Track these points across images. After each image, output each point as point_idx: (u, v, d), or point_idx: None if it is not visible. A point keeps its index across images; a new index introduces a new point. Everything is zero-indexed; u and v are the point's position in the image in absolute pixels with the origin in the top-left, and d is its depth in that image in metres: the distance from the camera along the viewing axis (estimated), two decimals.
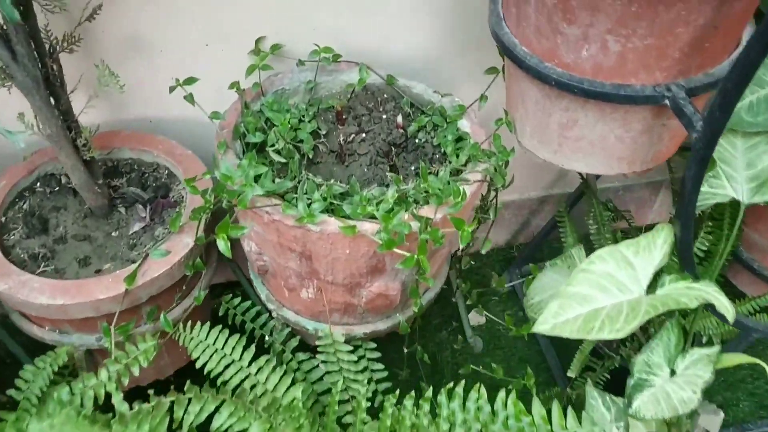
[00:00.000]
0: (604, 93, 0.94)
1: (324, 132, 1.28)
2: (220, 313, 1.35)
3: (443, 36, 1.46)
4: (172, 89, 1.15)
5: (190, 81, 1.16)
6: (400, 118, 1.28)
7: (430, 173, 1.18)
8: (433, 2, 1.40)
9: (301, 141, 1.25)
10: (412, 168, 1.25)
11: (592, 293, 0.99)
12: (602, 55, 0.91)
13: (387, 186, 1.21)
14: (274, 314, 1.33)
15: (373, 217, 1.06)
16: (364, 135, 1.30)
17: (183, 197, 1.34)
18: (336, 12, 1.37)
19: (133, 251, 1.26)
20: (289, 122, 1.16)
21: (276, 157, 1.15)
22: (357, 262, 1.11)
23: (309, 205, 1.06)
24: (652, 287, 1.00)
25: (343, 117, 1.30)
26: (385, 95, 1.37)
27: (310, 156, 1.22)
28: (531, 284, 1.25)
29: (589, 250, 1.50)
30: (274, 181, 1.10)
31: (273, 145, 1.17)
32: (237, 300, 1.35)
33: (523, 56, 0.99)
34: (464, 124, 1.27)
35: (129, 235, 1.29)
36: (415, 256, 1.00)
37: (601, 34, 0.89)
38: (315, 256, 1.11)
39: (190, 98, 1.16)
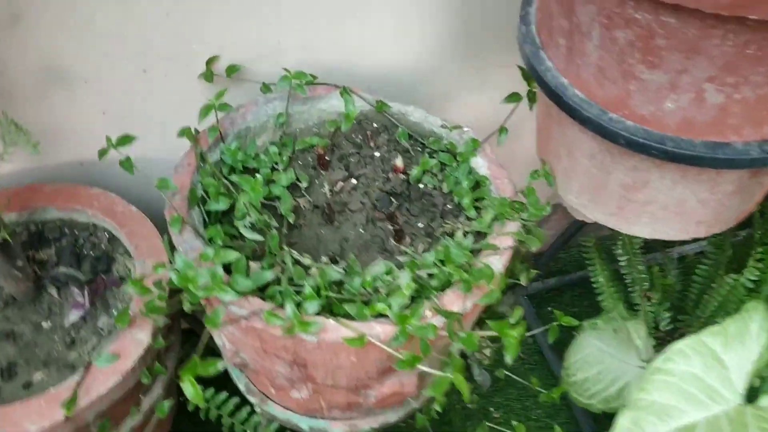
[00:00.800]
0: (695, 156, 0.69)
1: (305, 184, 1.01)
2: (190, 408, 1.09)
3: (438, 43, 1.19)
4: (102, 154, 0.86)
5: (125, 141, 0.87)
6: (399, 160, 1.01)
7: (448, 235, 0.93)
8: (424, 1, 1.12)
9: (277, 198, 0.98)
10: (419, 225, 1.00)
11: (675, 403, 0.77)
12: (695, 107, 0.67)
13: (389, 252, 0.95)
14: (256, 408, 1.08)
15: (383, 314, 0.81)
16: (354, 182, 1.04)
17: (130, 270, 1.06)
18: (304, 19, 1.08)
19: (71, 350, 0.99)
20: (259, 184, 0.88)
21: (249, 234, 0.88)
22: (365, 368, 0.87)
23: (299, 305, 0.81)
24: (752, 392, 0.78)
25: (326, 159, 1.03)
26: (375, 125, 1.10)
27: (290, 219, 0.96)
28: (571, 353, 1.03)
29: (621, 286, 1.29)
30: (248, 273, 0.84)
31: (243, 216, 0.90)
32: (210, 392, 1.09)
33: (578, 104, 0.73)
34: (479, 164, 1.02)
35: (64, 328, 1.01)
36: (448, 376, 0.76)
37: (697, 82, 0.65)
38: (311, 364, 0.86)
39: (127, 165, 0.87)
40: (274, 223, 0.92)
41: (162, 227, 1.07)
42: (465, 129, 1.03)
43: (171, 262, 0.85)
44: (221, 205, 0.92)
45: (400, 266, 0.94)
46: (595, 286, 1.26)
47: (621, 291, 1.27)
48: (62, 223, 1.11)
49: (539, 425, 1.39)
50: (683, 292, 1.36)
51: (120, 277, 1.06)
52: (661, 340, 1.23)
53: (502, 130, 1.01)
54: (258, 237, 0.88)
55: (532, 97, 0.97)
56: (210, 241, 0.89)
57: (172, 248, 0.87)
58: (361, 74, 1.19)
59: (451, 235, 0.97)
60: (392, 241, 0.97)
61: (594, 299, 1.50)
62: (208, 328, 0.80)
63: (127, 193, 1.14)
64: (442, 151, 1.05)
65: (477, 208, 0.97)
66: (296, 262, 0.89)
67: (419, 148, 1.08)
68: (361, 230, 0.99)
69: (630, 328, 0.96)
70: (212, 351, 1.09)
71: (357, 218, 1.00)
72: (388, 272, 0.90)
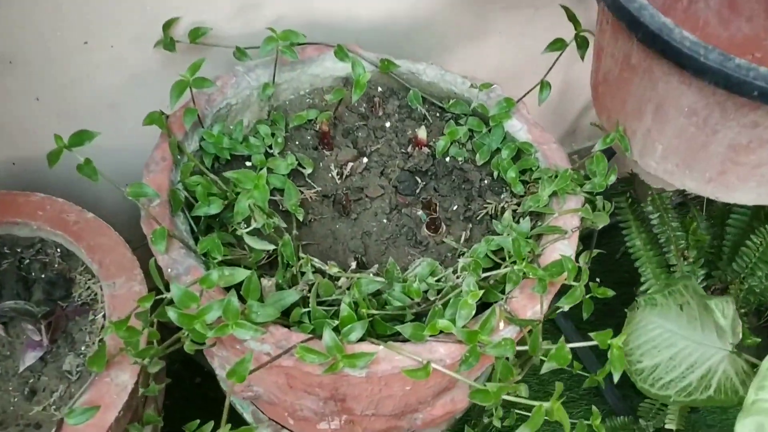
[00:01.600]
0: None
1: (309, 170, 0.81)
2: None
3: None
4: (53, 158, 0.64)
5: (81, 139, 0.65)
6: (422, 131, 0.83)
7: (491, 217, 0.76)
8: None
9: (277, 190, 0.79)
10: (454, 207, 0.82)
11: None
12: None
13: (423, 245, 0.78)
14: None
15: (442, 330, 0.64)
16: (365, 161, 0.85)
17: (95, 294, 0.85)
18: None
19: (33, 403, 0.78)
20: (263, 179, 0.68)
21: (257, 244, 0.69)
22: (419, 394, 0.70)
23: (336, 330, 0.63)
24: None
25: (330, 136, 0.84)
26: (380, 89, 0.91)
27: (299, 216, 0.77)
28: (630, 331, 0.88)
29: (655, 246, 1.15)
30: (262, 295, 0.65)
31: (245, 222, 0.70)
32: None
33: (691, 48, 0.56)
34: (516, 127, 0.84)
35: (20, 374, 0.80)
36: (542, 405, 0.59)
37: None
38: (351, 397, 0.68)
39: (88, 170, 0.65)
40: (282, 223, 0.73)
41: (126, 235, 0.87)
42: (494, 86, 0.85)
43: (162, 291, 0.65)
44: (213, 208, 0.72)
45: (443, 262, 0.77)
46: (631, 251, 1.12)
47: (659, 255, 1.14)
48: (1, 242, 0.89)
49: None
50: (717, 246, 1.23)
51: (83, 303, 0.85)
52: None
53: (545, 85, 0.83)
54: (269, 246, 0.69)
55: (582, 43, 0.80)
56: (205, 256, 0.69)
57: (159, 272, 0.67)
58: (348, 28, 0.99)
59: (495, 217, 0.80)
60: (425, 230, 0.79)
61: (617, 268, 1.35)
62: (227, 383, 0.61)
63: (77, 196, 0.92)
64: (467, 115, 0.87)
65: (523, 182, 0.80)
66: (317, 270, 0.71)
67: (437, 114, 0.89)
68: (384, 220, 0.81)
69: (713, 306, 0.81)
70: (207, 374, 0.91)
71: (377, 206, 0.82)
72: (433, 272, 0.72)
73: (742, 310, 1.11)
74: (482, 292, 0.64)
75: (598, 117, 0.79)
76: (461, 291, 0.66)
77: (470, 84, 0.85)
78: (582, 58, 0.81)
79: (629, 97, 0.68)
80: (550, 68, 0.83)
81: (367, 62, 0.87)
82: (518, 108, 0.85)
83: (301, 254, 0.71)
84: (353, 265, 0.73)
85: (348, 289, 0.68)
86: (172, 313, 0.58)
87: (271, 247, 0.69)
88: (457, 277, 0.69)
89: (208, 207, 0.72)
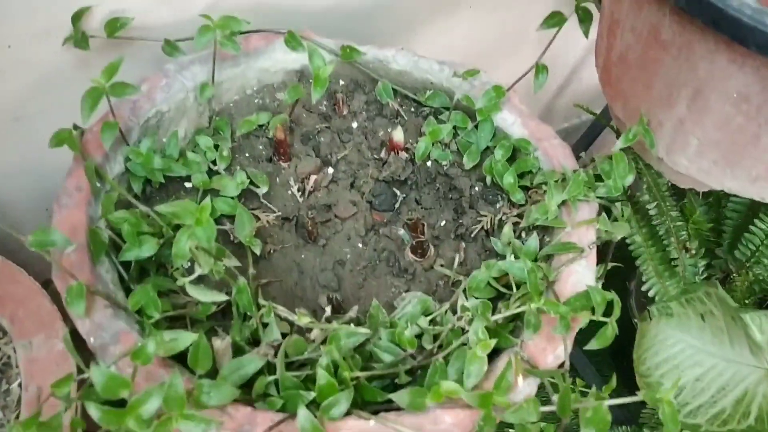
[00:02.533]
0: None
1: (264, 188, 0.67)
2: None
3: None
4: None
5: None
6: (399, 132, 0.69)
7: (487, 234, 0.63)
8: None
9: (225, 217, 0.64)
10: (442, 224, 0.69)
11: None
12: None
13: (409, 274, 0.64)
14: None
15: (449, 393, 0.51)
16: (331, 172, 0.71)
17: (8, 357, 0.70)
18: None
19: None
20: (207, 210, 0.53)
21: (204, 296, 0.54)
22: None
23: (315, 402, 0.49)
24: None
25: (287, 144, 0.69)
26: (342, 81, 0.76)
27: (255, 249, 0.62)
28: (645, 353, 0.77)
29: (656, 240, 1.04)
30: (214, 361, 0.50)
31: (183, 265, 0.55)
32: None
33: (754, 17, 0.43)
34: (507, 121, 0.71)
35: None
36: None
37: None
38: None
39: None
40: (235, 262, 0.58)
41: (38, 273, 0.71)
42: (480, 72, 0.71)
43: (81, 371, 0.50)
44: (145, 249, 0.57)
45: (434, 292, 0.63)
46: (631, 248, 1.00)
47: (661, 250, 1.03)
48: None
49: None
50: (715, 230, 1.13)
51: None
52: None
53: (541, 69, 0.70)
54: (219, 297, 0.54)
55: (585, 17, 0.66)
56: (139, 313, 0.54)
57: (77, 343, 0.52)
58: (298, 10, 0.84)
59: (492, 232, 0.67)
60: (409, 254, 0.65)
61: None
62: None
63: None
64: (448, 109, 0.73)
65: (523, 188, 0.67)
66: (283, 319, 0.57)
67: (412, 109, 0.75)
68: (359, 244, 0.67)
69: (748, 320, 0.70)
70: None
71: (350, 227, 0.67)
72: (426, 310, 0.59)
73: (746, 302, 1.01)
74: (494, 341, 0.51)
75: (610, 104, 0.66)
76: (465, 337, 0.53)
77: (452, 71, 0.71)
78: (586, 34, 0.68)
79: (656, 81, 0.55)
80: (547, 47, 0.69)
81: (326, 51, 0.72)
82: (509, 97, 0.71)
83: (261, 301, 0.57)
84: (327, 309, 0.58)
85: (323, 342, 0.54)
86: (93, 410, 0.43)
87: (223, 298, 0.54)
88: (458, 318, 0.56)
89: (139, 249, 0.57)
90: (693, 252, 1.05)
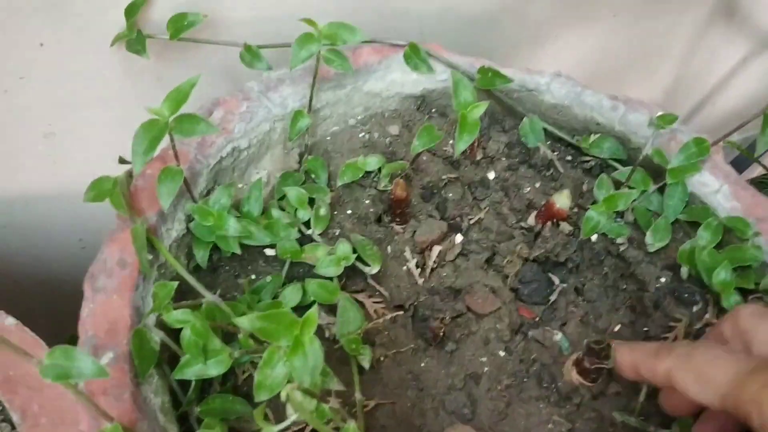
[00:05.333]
0: None
1: (375, 268, 0.48)
2: None
3: None
4: None
5: None
6: (564, 198, 0.49)
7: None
8: None
9: (321, 306, 0.45)
10: (616, 329, 0.49)
11: None
12: None
13: (576, 404, 0.45)
14: None
15: None
16: (460, 239, 0.52)
17: None
18: None
19: None
20: (313, 324, 0.34)
21: None
22: None
23: None
24: None
25: (406, 202, 0.50)
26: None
27: (365, 363, 0.44)
28: None
29: None
30: None
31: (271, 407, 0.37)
32: None
33: None
34: (709, 187, 0.51)
35: None
36: None
37: None
38: None
39: None
40: (338, 385, 0.40)
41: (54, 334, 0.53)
42: (676, 118, 0.51)
43: None
44: (213, 367, 0.39)
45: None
46: None
47: None
48: None
49: None
50: None
51: None
52: None
53: None
54: None
55: None
56: None
57: None
58: (405, 11, 0.65)
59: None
60: (573, 373, 0.46)
61: None
62: None
63: None
64: (619, 161, 0.53)
65: (740, 291, 0.47)
66: None
67: (569, 158, 0.56)
68: (501, 352, 0.48)
69: None
70: None
71: (488, 327, 0.48)
72: None
73: None
74: None
75: None
76: None
77: (648, 119, 0.51)
78: None
79: None
80: None
81: (457, 70, 0.52)
82: (710, 154, 0.51)
83: None
84: None
85: None
86: None
87: None
88: None
89: (203, 366, 0.38)
90: None
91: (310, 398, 0.35)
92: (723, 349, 0.35)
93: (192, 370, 0.39)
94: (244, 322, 0.34)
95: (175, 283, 0.39)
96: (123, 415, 0.36)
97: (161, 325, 0.41)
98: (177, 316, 0.38)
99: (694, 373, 0.35)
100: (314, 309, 0.35)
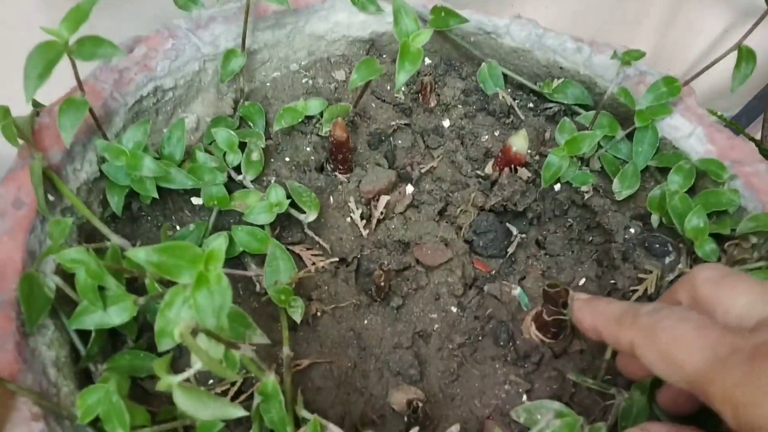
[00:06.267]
0: None
1: (312, 215, 0.43)
2: None
3: None
4: None
5: None
6: (521, 140, 0.45)
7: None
8: None
9: (249, 256, 0.41)
10: (581, 283, 0.45)
11: None
12: None
13: (536, 363, 0.41)
14: None
15: None
16: (411, 191, 0.47)
17: None
18: None
19: None
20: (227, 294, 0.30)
21: (203, 412, 0.31)
22: None
23: None
24: None
25: (349, 148, 0.45)
26: (428, 60, 0.52)
27: (296, 316, 0.39)
28: None
29: None
30: None
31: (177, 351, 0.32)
32: None
33: None
34: (682, 131, 0.47)
35: None
36: None
37: None
38: None
39: None
40: (263, 339, 0.35)
41: None
42: (642, 54, 0.47)
43: None
44: (114, 313, 0.34)
45: (571, 399, 0.40)
46: None
47: None
48: None
49: None
50: None
51: None
52: None
53: (746, 55, 0.45)
54: (232, 412, 0.31)
55: None
56: (94, 425, 0.32)
57: None
58: None
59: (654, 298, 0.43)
60: (533, 329, 0.42)
61: None
62: None
63: None
64: (584, 107, 0.49)
65: (715, 236, 0.43)
66: None
67: (531, 105, 0.51)
68: (453, 308, 0.43)
69: None
70: None
71: (439, 281, 0.44)
72: (571, 427, 0.35)
73: None
74: None
75: None
76: None
77: (594, 52, 0.47)
78: None
79: None
80: (748, 34, 0.45)
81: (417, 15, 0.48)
82: (682, 96, 0.47)
83: (304, 413, 0.33)
84: (404, 416, 0.35)
85: None
86: None
87: (237, 413, 0.31)
88: None
89: (102, 312, 0.34)
90: None
91: (216, 343, 0.31)
92: (690, 325, 0.30)
93: (90, 318, 0.34)
94: (140, 255, 0.29)
95: (70, 219, 0.35)
96: (3, 367, 0.31)
97: (63, 273, 0.36)
98: (70, 255, 0.33)
99: (660, 352, 0.30)
100: (221, 240, 0.31)
